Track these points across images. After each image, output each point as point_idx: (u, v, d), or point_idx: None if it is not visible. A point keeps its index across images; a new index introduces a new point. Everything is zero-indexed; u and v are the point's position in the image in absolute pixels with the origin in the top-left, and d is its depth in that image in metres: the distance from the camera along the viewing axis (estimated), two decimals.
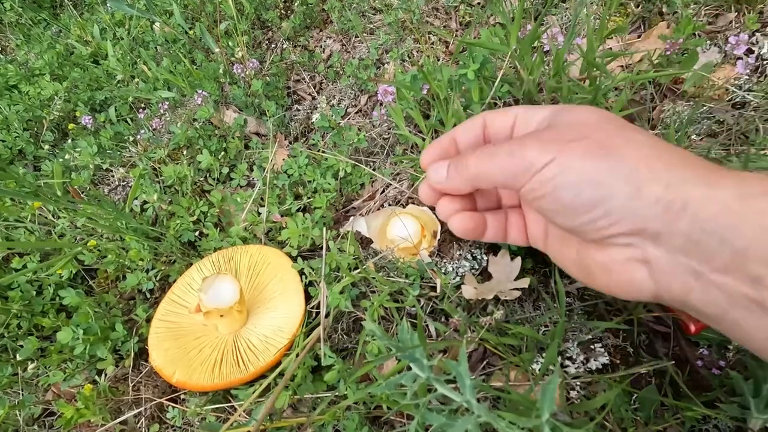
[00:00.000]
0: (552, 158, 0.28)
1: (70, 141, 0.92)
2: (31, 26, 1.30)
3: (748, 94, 0.59)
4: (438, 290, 0.52)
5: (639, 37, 0.72)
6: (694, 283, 0.25)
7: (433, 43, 0.86)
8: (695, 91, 0.62)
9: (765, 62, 0.62)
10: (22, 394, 0.59)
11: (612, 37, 0.70)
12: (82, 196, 0.76)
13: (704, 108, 0.60)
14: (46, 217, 0.75)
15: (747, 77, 0.61)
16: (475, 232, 0.38)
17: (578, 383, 0.46)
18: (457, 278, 0.54)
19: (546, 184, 0.29)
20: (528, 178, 0.30)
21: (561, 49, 0.56)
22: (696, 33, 0.67)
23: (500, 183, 0.32)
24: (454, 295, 0.53)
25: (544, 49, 0.64)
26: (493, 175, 0.32)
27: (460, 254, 0.55)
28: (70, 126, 0.93)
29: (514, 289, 0.51)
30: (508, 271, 0.53)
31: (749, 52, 0.62)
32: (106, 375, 0.59)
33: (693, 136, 0.59)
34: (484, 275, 0.55)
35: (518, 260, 0.53)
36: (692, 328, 0.45)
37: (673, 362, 0.46)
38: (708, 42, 0.66)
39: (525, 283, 0.51)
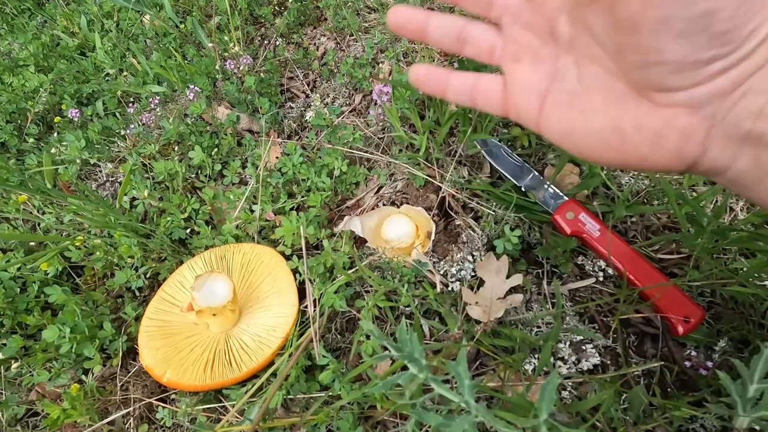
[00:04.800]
0: None
1: (55, 134, 0.90)
2: (15, 16, 1.26)
3: None
4: (437, 288, 0.53)
5: None
6: (748, 149, 0.22)
7: (428, 44, 0.87)
8: None
9: None
10: (5, 394, 0.58)
11: None
12: (71, 189, 0.74)
13: None
14: (30, 213, 0.73)
15: None
16: (428, 82, 0.31)
17: (570, 383, 0.47)
18: (456, 282, 0.54)
19: None
20: None
21: None
22: None
23: None
24: (451, 297, 0.54)
25: None
26: None
27: (461, 256, 0.56)
28: (56, 119, 0.91)
29: (511, 288, 0.51)
30: (497, 272, 0.53)
31: None
32: (93, 374, 0.58)
33: None
34: (476, 280, 0.56)
35: (504, 258, 0.53)
36: (680, 329, 0.46)
37: (662, 363, 0.47)
38: None
39: (518, 279, 0.52)
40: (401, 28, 0.30)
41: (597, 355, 0.48)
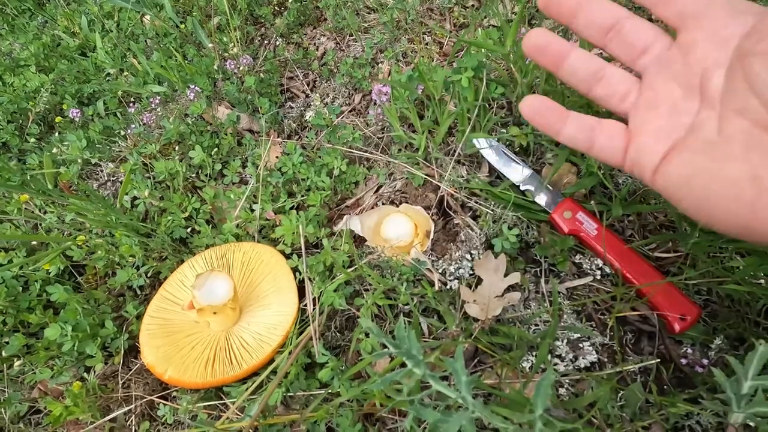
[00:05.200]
0: None
1: (56, 134, 0.90)
2: (15, 16, 1.26)
3: None
4: (435, 286, 0.53)
5: None
6: None
7: (427, 44, 0.87)
8: None
9: None
10: (8, 392, 0.58)
11: None
12: (72, 189, 0.74)
13: None
14: (32, 212, 0.73)
15: None
16: (548, 117, 0.29)
17: (567, 381, 0.48)
18: (455, 280, 0.55)
19: None
20: None
21: None
22: None
23: None
24: (450, 295, 0.54)
25: None
26: None
27: (460, 255, 0.56)
28: (57, 119, 0.91)
29: (509, 287, 0.52)
30: (496, 270, 0.53)
31: None
32: (95, 372, 0.58)
33: None
34: (474, 279, 0.56)
35: (502, 257, 0.53)
36: (677, 327, 0.47)
37: (658, 360, 0.47)
38: None
39: (516, 278, 0.52)
40: (538, 53, 0.30)
41: (594, 352, 0.49)
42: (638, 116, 0.28)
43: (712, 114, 0.25)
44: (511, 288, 0.53)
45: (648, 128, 0.27)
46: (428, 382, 0.32)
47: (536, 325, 0.52)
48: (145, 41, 1.08)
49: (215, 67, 0.91)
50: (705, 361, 0.45)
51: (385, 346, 0.48)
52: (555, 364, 0.48)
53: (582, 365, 0.48)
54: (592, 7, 0.28)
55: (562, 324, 0.51)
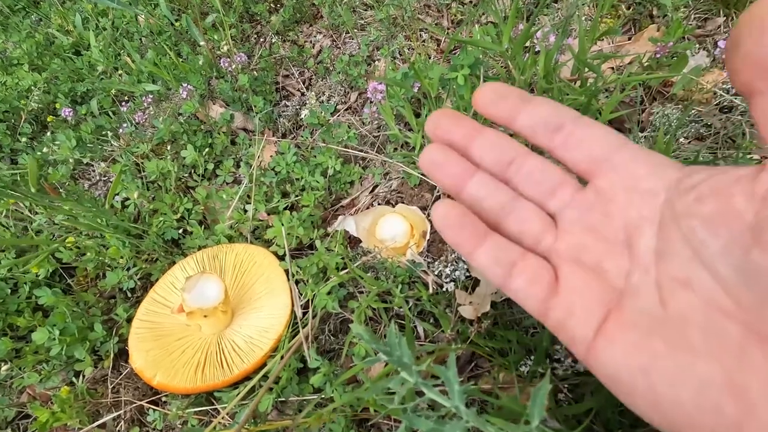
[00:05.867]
0: None
1: (49, 134, 0.89)
2: (9, 14, 1.25)
3: (735, 99, 0.59)
4: (430, 289, 0.52)
5: (629, 39, 0.72)
6: None
7: (424, 41, 0.86)
8: (684, 94, 0.62)
9: None
10: None
11: (603, 39, 0.70)
12: (59, 191, 0.73)
13: (693, 112, 0.60)
14: (22, 213, 0.72)
15: None
16: (461, 235, 0.24)
17: (566, 385, 0.46)
18: (450, 282, 0.54)
19: None
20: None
21: (551, 49, 0.56)
22: (685, 36, 0.67)
23: None
24: (446, 297, 0.53)
25: (536, 50, 0.64)
26: None
27: (455, 256, 0.55)
28: (50, 118, 0.90)
29: None
30: None
31: None
32: (84, 377, 0.57)
33: (681, 139, 0.59)
34: (471, 281, 0.55)
35: None
36: None
37: None
38: (697, 46, 0.66)
39: None
40: (435, 170, 0.25)
41: None
42: (560, 267, 0.23)
43: (646, 279, 0.20)
44: None
45: (572, 286, 0.22)
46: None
47: (534, 328, 0.51)
48: (140, 39, 1.06)
49: (204, 63, 0.89)
50: None
51: (378, 352, 0.47)
52: (553, 369, 0.47)
53: (581, 369, 0.47)
54: (486, 139, 0.25)
55: None
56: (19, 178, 0.71)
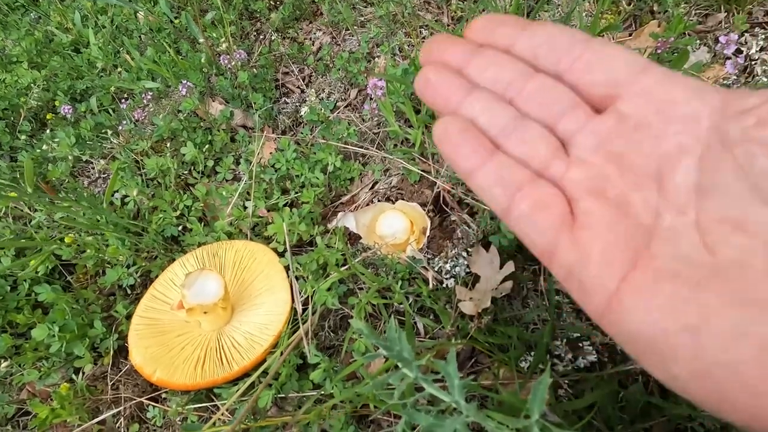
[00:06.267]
0: None
1: (48, 131, 0.89)
2: (8, 12, 1.25)
3: None
4: (430, 285, 0.52)
5: (630, 35, 0.72)
6: None
7: (424, 37, 0.85)
8: None
9: (753, 62, 0.62)
10: None
11: (604, 35, 0.70)
12: (57, 190, 0.73)
13: None
14: (21, 210, 0.72)
15: (735, 77, 0.61)
16: (463, 149, 0.22)
17: (566, 381, 0.46)
18: (451, 278, 0.54)
19: None
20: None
21: None
22: (686, 32, 0.67)
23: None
24: (446, 293, 0.53)
25: None
26: None
27: (456, 252, 0.55)
28: (49, 116, 0.90)
29: (504, 279, 0.50)
30: (491, 263, 0.52)
31: (738, 52, 0.62)
32: (83, 373, 0.57)
33: None
34: (471, 276, 0.55)
35: (494, 249, 0.52)
36: None
37: None
38: (698, 41, 0.66)
39: (511, 267, 0.51)
40: (429, 92, 0.23)
41: (594, 352, 0.47)
42: (578, 200, 0.19)
43: (683, 221, 0.17)
44: (504, 279, 0.52)
45: (591, 222, 0.18)
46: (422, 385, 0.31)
47: (535, 324, 0.51)
48: (139, 37, 1.06)
49: (208, 62, 0.89)
50: None
51: (378, 348, 0.47)
52: (554, 365, 0.47)
53: (582, 365, 0.47)
54: (484, 58, 0.23)
55: (561, 323, 0.49)
56: (18, 176, 0.71)
